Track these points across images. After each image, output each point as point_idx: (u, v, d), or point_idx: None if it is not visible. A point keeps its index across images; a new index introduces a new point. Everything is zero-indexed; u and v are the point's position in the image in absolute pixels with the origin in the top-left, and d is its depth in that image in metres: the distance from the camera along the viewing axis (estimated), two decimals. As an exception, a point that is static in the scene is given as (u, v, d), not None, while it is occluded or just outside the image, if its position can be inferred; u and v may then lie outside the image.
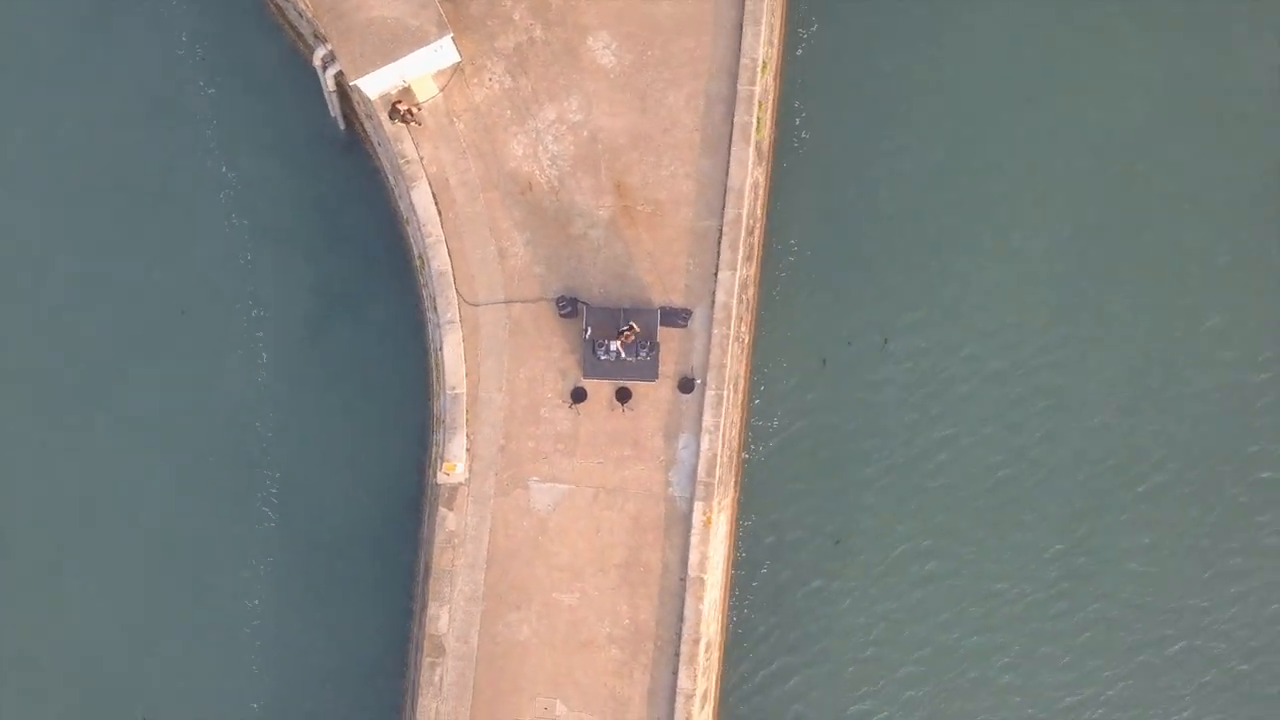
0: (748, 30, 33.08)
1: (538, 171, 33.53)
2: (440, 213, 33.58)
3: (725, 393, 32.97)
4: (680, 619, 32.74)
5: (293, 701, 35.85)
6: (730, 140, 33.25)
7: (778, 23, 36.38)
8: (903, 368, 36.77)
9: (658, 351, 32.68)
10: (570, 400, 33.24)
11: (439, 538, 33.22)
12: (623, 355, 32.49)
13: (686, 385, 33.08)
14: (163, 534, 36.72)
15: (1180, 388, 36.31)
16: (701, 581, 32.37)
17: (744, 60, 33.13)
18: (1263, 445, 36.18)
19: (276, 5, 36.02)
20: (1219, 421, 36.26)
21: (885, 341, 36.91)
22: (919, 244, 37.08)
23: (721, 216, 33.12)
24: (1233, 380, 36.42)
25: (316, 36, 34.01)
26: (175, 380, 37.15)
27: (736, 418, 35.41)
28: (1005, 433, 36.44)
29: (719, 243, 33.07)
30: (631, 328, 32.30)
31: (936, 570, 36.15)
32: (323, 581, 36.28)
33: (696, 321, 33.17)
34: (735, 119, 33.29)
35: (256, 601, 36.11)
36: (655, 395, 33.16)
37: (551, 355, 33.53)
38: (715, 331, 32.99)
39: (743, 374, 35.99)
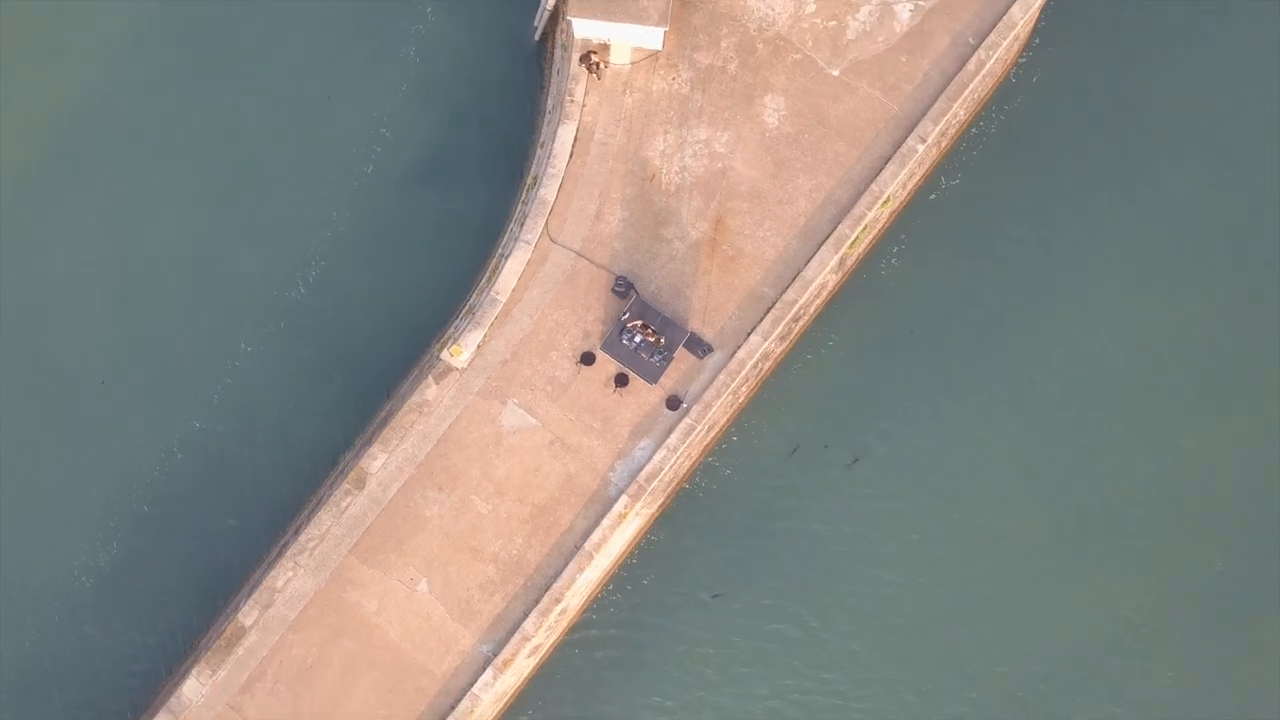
0: (889, 167, 36.63)
1: (665, 171, 37.14)
2: (572, 155, 37.11)
3: (699, 428, 36.42)
4: (556, 576, 36.01)
5: (233, 440, 40.11)
6: (824, 240, 36.74)
7: (921, 170, 39.96)
8: (854, 488, 40.40)
9: (669, 364, 36.21)
10: (578, 359, 36.75)
11: (413, 399, 36.77)
12: (641, 350, 36.06)
13: (673, 403, 36.54)
14: (214, 251, 40.97)
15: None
16: (590, 557, 35.85)
17: (873, 187, 36.65)
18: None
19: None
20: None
21: (855, 460, 40.49)
22: (931, 407, 40.64)
23: (781, 294, 36.58)
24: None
25: (563, -38, 37.77)
26: (292, 143, 41.29)
27: (697, 452, 38.96)
28: (900, 574, 40.09)
29: (766, 312, 36.52)
30: (656, 332, 35.92)
31: (777, 645, 39.64)
32: (307, 366, 40.16)
33: (712, 360, 36.58)
34: (838, 227, 36.77)
35: (249, 348, 40.08)
36: (645, 395, 36.52)
37: (585, 316, 36.97)
38: (720, 378, 36.38)
39: (722, 422, 39.57)
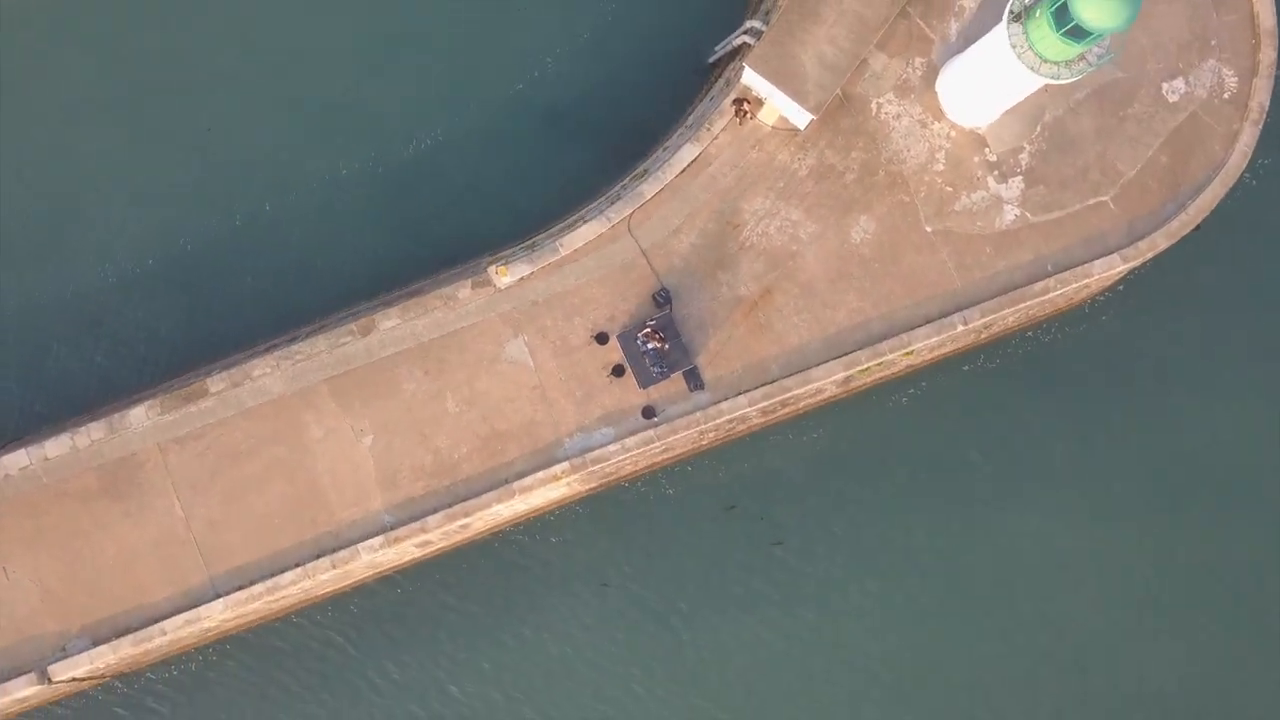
0: (926, 328, 39.65)
1: (749, 227, 40.31)
2: (683, 172, 40.15)
3: (656, 445, 39.41)
4: (475, 495, 38.79)
5: (286, 237, 43.56)
6: (841, 356, 39.62)
7: (955, 344, 42.93)
8: (765, 565, 43.51)
9: (663, 380, 39.18)
10: (594, 335, 39.70)
11: (446, 289, 39.71)
12: (647, 356, 39.18)
13: (648, 412, 39.47)
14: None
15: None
16: (512, 495, 38.78)
17: (904, 336, 39.65)
18: None
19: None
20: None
21: (779, 543, 43.70)
22: (868, 541, 43.75)
23: (782, 377, 39.51)
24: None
25: (766, 13, 41.12)
26: (470, 31, 44.54)
27: (649, 462, 42.14)
28: (762, 652, 43.54)
29: (762, 385, 39.40)
30: (668, 350, 39.26)
31: (633, 649, 43.03)
32: (378, 212, 43.59)
33: (698, 397, 39.43)
34: (859, 351, 39.58)
35: (345, 172, 43.47)
36: (629, 393, 39.44)
37: (619, 304, 39.81)
38: (696, 415, 39.18)
39: (680, 451, 42.69)
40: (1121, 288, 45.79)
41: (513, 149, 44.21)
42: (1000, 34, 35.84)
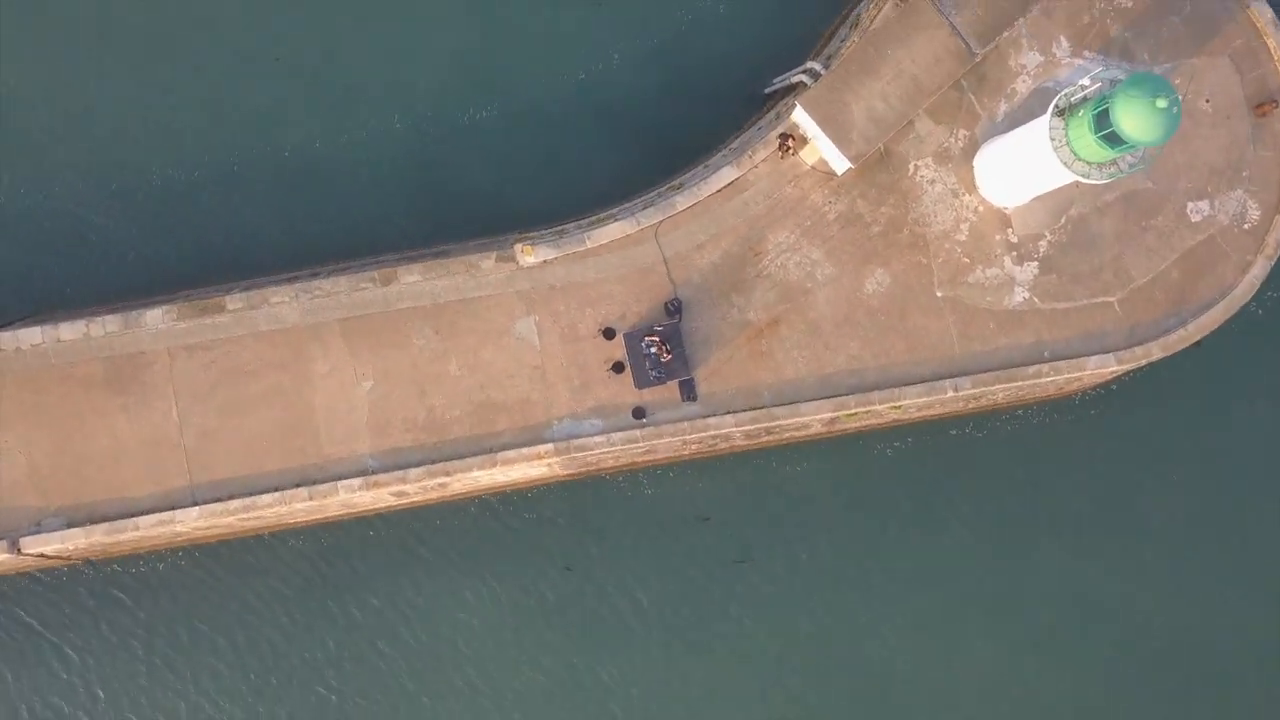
0: (917, 387, 40.92)
1: (769, 259, 41.63)
2: (718, 192, 41.51)
3: (640, 445, 40.69)
4: (459, 458, 40.02)
5: (328, 179, 44.78)
6: (832, 396, 40.98)
7: (945, 407, 44.12)
8: (726, 577, 44.80)
9: (659, 384, 40.51)
10: (602, 329, 40.90)
11: (471, 257, 40.97)
12: (648, 359, 40.44)
13: (638, 413, 40.71)
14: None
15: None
16: (494, 464, 40.07)
17: (895, 390, 40.86)
18: None
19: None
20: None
21: (743, 561, 45.00)
22: (829, 574, 45.13)
23: (771, 406, 40.84)
24: None
25: (827, 58, 42.47)
26: (551, 18, 45.75)
27: (630, 460, 43.36)
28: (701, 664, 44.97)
29: (750, 409, 40.68)
30: (669, 357, 40.55)
31: (584, 633, 44.37)
32: (427, 171, 44.75)
33: (688, 408, 40.63)
34: (849, 395, 40.88)
35: (400, 126, 44.90)
36: (624, 391, 40.67)
37: (632, 304, 41.05)
38: (682, 424, 40.40)
39: (661, 456, 43.92)
40: (1114, 386, 47.02)
41: (561, 135, 45.39)
42: (1042, 124, 37.24)
